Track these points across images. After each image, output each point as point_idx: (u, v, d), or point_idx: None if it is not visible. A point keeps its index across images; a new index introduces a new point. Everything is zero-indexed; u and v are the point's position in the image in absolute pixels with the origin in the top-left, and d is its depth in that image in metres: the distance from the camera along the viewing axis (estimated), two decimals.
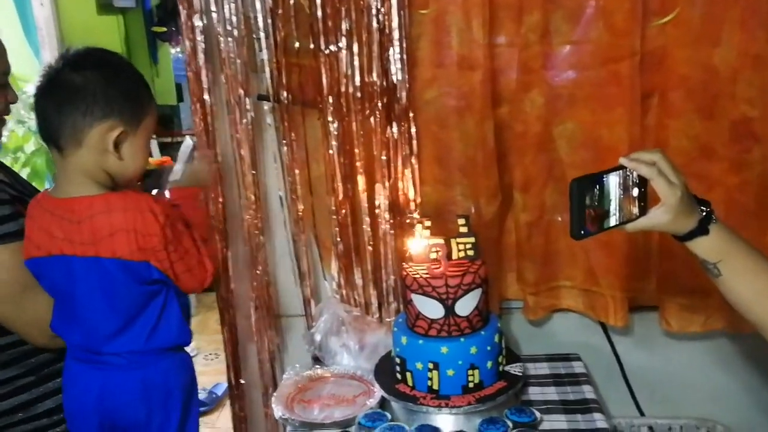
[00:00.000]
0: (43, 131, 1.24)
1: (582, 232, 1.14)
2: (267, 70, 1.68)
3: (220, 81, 1.71)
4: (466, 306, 1.46)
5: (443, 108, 1.68)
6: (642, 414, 1.85)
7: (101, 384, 1.32)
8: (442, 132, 1.69)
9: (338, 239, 1.77)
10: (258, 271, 1.83)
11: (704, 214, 1.14)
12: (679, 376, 1.83)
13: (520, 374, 1.53)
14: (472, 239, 1.52)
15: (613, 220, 1.16)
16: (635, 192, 1.15)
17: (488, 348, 1.47)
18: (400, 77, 1.63)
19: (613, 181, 1.14)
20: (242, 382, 1.94)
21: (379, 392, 1.54)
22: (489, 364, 1.48)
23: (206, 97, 1.71)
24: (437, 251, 1.49)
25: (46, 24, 3.47)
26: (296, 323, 1.91)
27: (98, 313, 1.29)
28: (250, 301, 1.85)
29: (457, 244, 1.52)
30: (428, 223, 1.54)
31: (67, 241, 1.24)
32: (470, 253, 1.52)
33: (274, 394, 1.63)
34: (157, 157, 4.03)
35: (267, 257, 1.83)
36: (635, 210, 1.17)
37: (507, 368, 1.54)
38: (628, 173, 1.14)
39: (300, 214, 1.79)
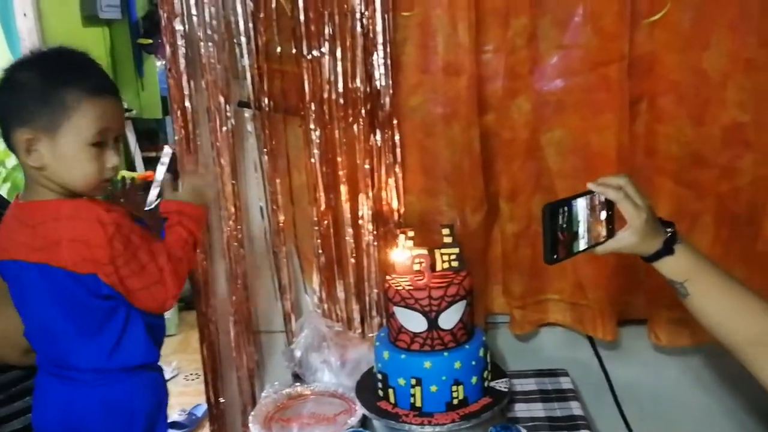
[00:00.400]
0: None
1: (555, 256, 1.16)
2: (248, 75, 1.64)
3: (201, 87, 1.66)
4: (449, 319, 1.41)
5: (428, 115, 1.63)
6: None
7: (65, 399, 1.25)
8: (427, 140, 1.65)
9: (320, 251, 1.72)
10: (238, 285, 1.77)
11: (669, 234, 1.18)
12: (670, 392, 1.78)
13: (506, 390, 1.47)
14: (456, 250, 1.47)
15: (582, 243, 1.20)
16: (603, 215, 1.20)
17: (473, 363, 1.42)
18: (384, 83, 1.59)
19: (581, 205, 1.18)
20: (221, 401, 1.87)
21: (360, 410, 1.48)
22: (474, 379, 1.42)
23: (187, 104, 1.67)
24: (420, 262, 1.44)
25: (30, 35, 3.44)
26: (276, 339, 1.86)
27: (54, 323, 1.23)
28: (229, 316, 1.79)
29: (441, 255, 1.47)
30: (411, 234, 1.49)
31: (24, 245, 1.19)
32: (454, 264, 1.47)
33: (252, 413, 1.57)
34: (141, 172, 3.98)
35: (246, 270, 1.77)
36: (603, 233, 1.21)
37: (492, 384, 1.49)
38: (595, 197, 1.19)
39: (281, 225, 1.73)
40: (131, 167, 4.05)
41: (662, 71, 1.54)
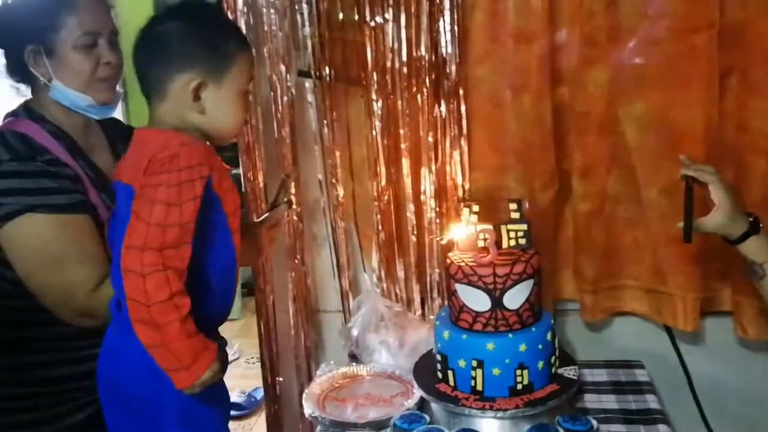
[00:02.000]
0: (140, 84, 1.20)
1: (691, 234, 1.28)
2: (309, 44, 1.59)
3: (263, 56, 1.62)
4: (515, 298, 1.32)
5: (497, 86, 1.56)
6: None
7: (113, 342, 1.21)
8: (495, 112, 1.57)
9: (380, 228, 1.66)
10: (296, 261, 1.73)
11: (753, 217, 1.29)
12: (755, 390, 1.65)
13: (575, 378, 1.37)
14: (524, 226, 1.38)
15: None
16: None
17: (539, 346, 1.33)
18: (450, 51, 1.52)
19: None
20: (279, 379, 1.83)
21: (418, 392, 1.41)
22: (540, 364, 1.33)
23: None
24: (485, 238, 1.35)
25: None
26: (334, 319, 1.81)
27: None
28: (287, 293, 1.75)
29: (508, 231, 1.38)
30: (476, 208, 1.41)
31: (126, 168, 1.18)
32: (522, 241, 1.38)
33: (305, 391, 1.52)
34: None
35: (305, 246, 1.72)
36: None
37: (560, 371, 1.39)
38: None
39: (340, 199, 1.68)
40: None
41: (755, 40, 1.42)
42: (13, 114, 1.36)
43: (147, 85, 1.17)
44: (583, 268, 1.60)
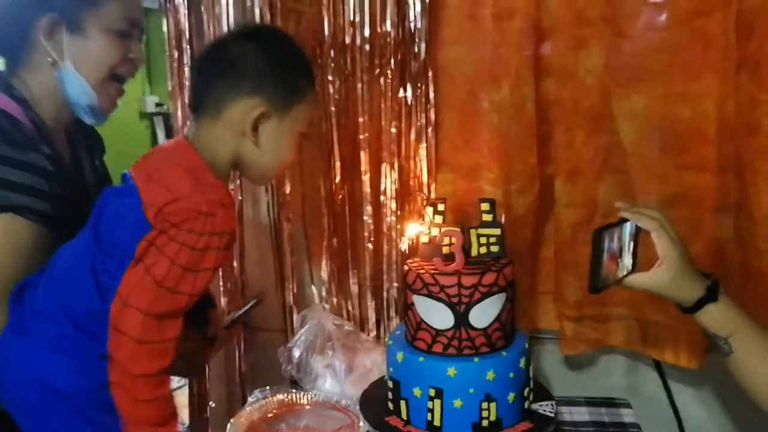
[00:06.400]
0: (191, 100, 1.10)
1: (600, 285, 1.07)
2: (257, 16, 1.40)
3: (204, 34, 1.45)
4: (483, 315, 1.11)
5: (472, 69, 1.37)
6: None
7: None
8: (470, 100, 1.38)
9: (332, 233, 1.44)
10: (234, 270, 1.50)
11: (711, 281, 1.09)
12: None
13: (552, 415, 1.16)
14: (497, 231, 1.17)
15: (619, 273, 1.10)
16: (632, 246, 1.11)
17: (510, 375, 1.12)
18: (419, 26, 1.34)
19: (627, 231, 1.10)
20: (212, 405, 1.60)
21: (364, 426, 1.20)
22: (511, 396, 1.12)
23: (185, 45, 1.44)
24: (451, 242, 1.13)
25: None
26: (276, 339, 1.57)
27: None
28: (222, 307, 1.52)
29: (478, 235, 1.17)
30: (442, 207, 1.20)
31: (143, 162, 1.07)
32: (494, 248, 1.17)
33: (231, 420, 1.28)
34: None
35: (245, 252, 1.50)
36: (629, 265, 1.11)
37: (534, 406, 1.18)
38: (626, 226, 1.10)
39: (287, 198, 1.48)
40: None
41: None
42: None
43: (202, 99, 1.07)
44: (565, 290, 1.38)
